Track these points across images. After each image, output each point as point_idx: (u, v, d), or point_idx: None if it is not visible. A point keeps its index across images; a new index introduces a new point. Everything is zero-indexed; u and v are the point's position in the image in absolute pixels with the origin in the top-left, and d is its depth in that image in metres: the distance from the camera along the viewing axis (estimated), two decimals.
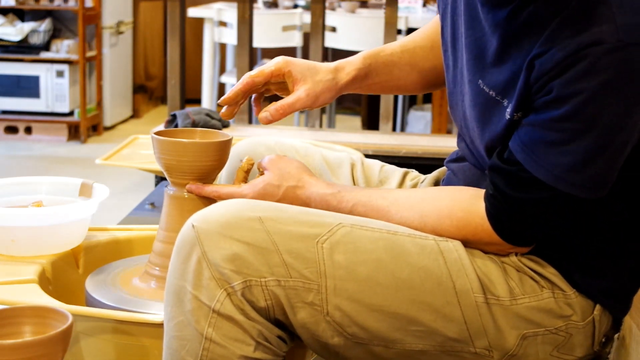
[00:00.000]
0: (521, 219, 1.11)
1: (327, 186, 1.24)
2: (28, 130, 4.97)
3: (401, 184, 1.44)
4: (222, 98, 1.32)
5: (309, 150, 1.49)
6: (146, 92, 5.99)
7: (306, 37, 4.25)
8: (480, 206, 1.13)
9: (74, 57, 4.94)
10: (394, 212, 1.18)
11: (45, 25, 4.99)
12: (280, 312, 1.11)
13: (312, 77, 1.31)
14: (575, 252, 1.16)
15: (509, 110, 1.11)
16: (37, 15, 5.14)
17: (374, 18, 4.37)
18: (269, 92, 1.37)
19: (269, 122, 1.28)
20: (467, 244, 1.16)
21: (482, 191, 1.15)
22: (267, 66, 1.31)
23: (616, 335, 1.21)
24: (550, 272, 1.17)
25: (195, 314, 1.10)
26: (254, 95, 1.35)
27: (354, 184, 1.45)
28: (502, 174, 1.11)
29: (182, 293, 1.11)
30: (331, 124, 4.66)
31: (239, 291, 1.09)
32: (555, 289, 1.16)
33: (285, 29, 4.62)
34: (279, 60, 1.32)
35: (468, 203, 1.15)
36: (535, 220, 1.11)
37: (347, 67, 1.35)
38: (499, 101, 1.14)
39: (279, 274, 1.10)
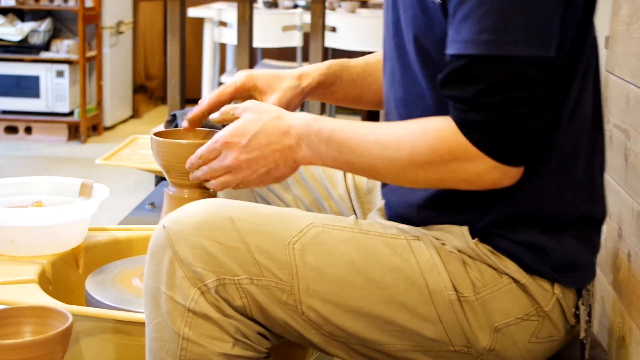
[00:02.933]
0: (487, 111, 1.05)
1: (308, 114, 1.22)
2: (28, 130, 4.97)
3: None
4: (189, 117, 1.34)
5: None
6: (146, 92, 5.99)
7: (306, 37, 4.25)
8: (451, 121, 1.09)
9: (74, 57, 4.94)
10: (372, 139, 1.14)
11: (45, 25, 4.99)
12: (257, 310, 1.11)
13: (279, 84, 1.32)
14: (519, 228, 1.15)
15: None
16: (37, 15, 5.15)
17: (374, 18, 4.37)
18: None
19: None
20: (445, 172, 1.10)
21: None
22: (231, 83, 1.32)
23: (580, 301, 1.19)
24: (504, 264, 1.15)
25: (172, 314, 1.10)
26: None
27: (346, 186, 1.46)
28: (451, 80, 1.07)
29: (157, 294, 1.12)
30: None
31: (212, 289, 1.09)
32: (512, 278, 1.15)
33: (285, 29, 4.62)
34: (242, 75, 1.33)
35: (440, 121, 1.10)
36: (501, 106, 1.05)
37: (313, 73, 1.37)
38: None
39: (251, 273, 1.10)
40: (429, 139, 1.09)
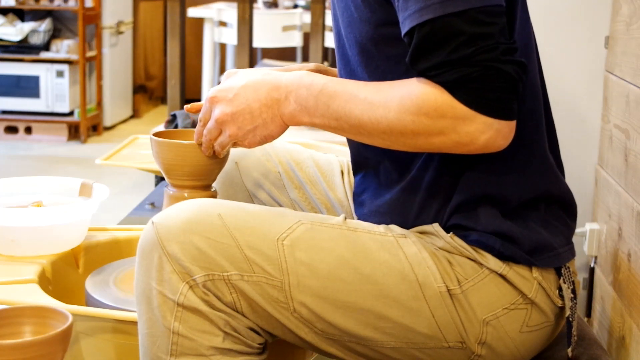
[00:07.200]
0: (460, 66, 1.05)
1: (301, 71, 1.21)
2: (28, 130, 4.97)
3: None
4: (192, 105, 1.34)
5: (301, 152, 1.51)
6: (146, 92, 5.99)
7: (306, 37, 4.25)
8: (433, 82, 1.08)
9: (74, 57, 4.94)
10: (362, 96, 1.13)
11: (45, 25, 5.00)
12: (247, 307, 1.12)
13: None
14: (481, 215, 1.16)
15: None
16: (37, 15, 5.15)
17: None
18: None
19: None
20: (434, 131, 1.09)
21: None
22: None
23: (562, 280, 1.19)
24: (481, 255, 1.15)
25: (162, 309, 1.11)
26: None
27: (344, 187, 1.46)
28: (419, 53, 1.07)
29: (148, 290, 1.12)
30: None
31: (200, 283, 1.10)
32: (490, 269, 1.16)
33: (285, 29, 4.62)
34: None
35: (423, 80, 1.09)
36: (472, 57, 1.05)
37: (301, 70, 1.35)
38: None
39: (241, 269, 1.10)
40: (414, 96, 1.08)
